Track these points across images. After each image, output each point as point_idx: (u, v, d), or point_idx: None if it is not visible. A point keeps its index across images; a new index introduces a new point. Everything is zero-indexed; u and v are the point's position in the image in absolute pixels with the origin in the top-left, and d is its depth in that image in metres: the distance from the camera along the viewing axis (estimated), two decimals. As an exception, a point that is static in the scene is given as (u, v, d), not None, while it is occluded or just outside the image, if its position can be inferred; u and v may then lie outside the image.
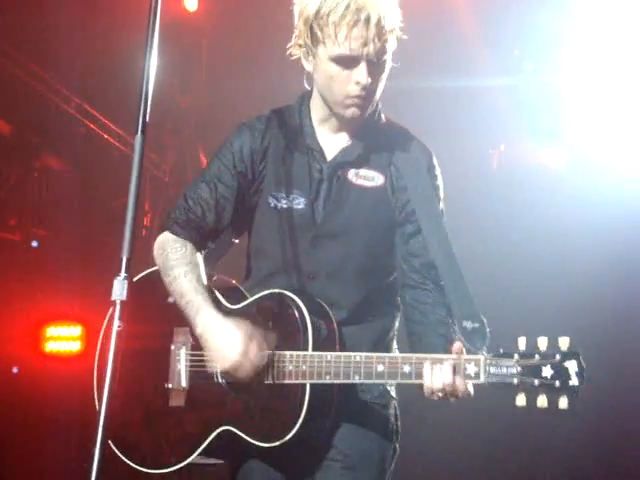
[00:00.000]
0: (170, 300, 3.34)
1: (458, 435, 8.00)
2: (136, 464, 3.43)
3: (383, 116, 3.44)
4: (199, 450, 3.31)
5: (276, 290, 3.26)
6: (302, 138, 3.38)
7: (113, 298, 2.67)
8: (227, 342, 3.13)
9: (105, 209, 8.40)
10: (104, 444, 2.57)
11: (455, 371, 2.91)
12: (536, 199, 8.18)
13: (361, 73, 3.12)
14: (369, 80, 3.13)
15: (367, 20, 3.04)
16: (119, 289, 2.67)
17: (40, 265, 8.17)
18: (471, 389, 2.96)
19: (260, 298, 3.31)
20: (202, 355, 3.31)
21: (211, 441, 3.29)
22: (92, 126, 8.47)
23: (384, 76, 3.22)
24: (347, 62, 3.13)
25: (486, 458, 8.08)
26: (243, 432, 3.20)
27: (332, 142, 3.37)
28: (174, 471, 3.39)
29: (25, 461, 7.58)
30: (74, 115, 8.24)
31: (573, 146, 8.57)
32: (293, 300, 3.18)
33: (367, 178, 3.31)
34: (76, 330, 8.51)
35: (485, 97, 8.25)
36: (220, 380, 3.30)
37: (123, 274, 2.68)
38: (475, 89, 8.24)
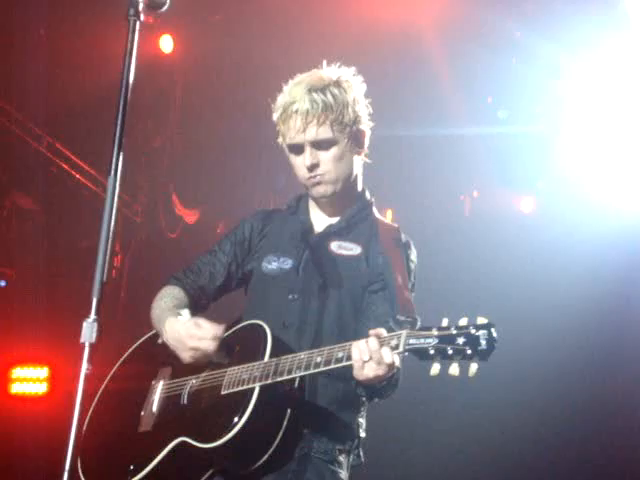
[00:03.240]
0: (159, 341, 3.68)
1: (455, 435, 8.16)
2: None
3: (376, 212, 3.85)
4: (154, 462, 3.46)
5: (249, 321, 3.59)
6: (297, 216, 3.85)
7: (82, 341, 2.63)
8: (183, 331, 3.51)
9: (74, 249, 8.33)
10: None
11: (381, 343, 3.14)
12: (507, 243, 8.24)
13: (305, 157, 3.61)
14: (313, 161, 3.60)
15: (296, 111, 3.57)
16: (88, 331, 2.62)
17: (7, 305, 8.08)
18: (397, 360, 3.17)
19: (235, 330, 3.63)
20: (175, 382, 3.63)
21: (167, 455, 3.44)
22: (63, 165, 8.42)
23: (338, 152, 3.62)
24: (295, 150, 3.64)
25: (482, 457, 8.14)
26: (192, 439, 3.39)
27: (322, 220, 3.81)
28: None
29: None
30: (45, 154, 8.19)
31: (545, 192, 8.64)
32: (261, 326, 3.48)
33: (347, 248, 3.72)
34: (43, 372, 8.41)
35: (459, 144, 8.32)
36: (184, 401, 3.54)
37: (93, 316, 2.63)
38: (449, 136, 8.30)
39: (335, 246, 3.73)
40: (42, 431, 7.42)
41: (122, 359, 3.92)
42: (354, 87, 3.67)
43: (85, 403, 2.66)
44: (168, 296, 3.76)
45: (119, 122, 2.85)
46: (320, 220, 3.82)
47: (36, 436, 7.50)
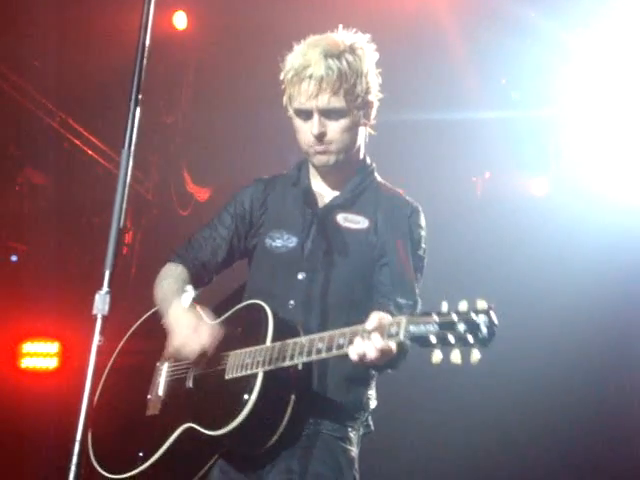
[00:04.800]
0: (162, 321, 3.58)
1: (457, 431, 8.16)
2: (104, 471, 3.62)
3: (378, 176, 3.81)
4: (163, 449, 3.48)
5: (250, 301, 3.56)
6: (299, 188, 3.78)
7: (94, 312, 2.63)
8: (183, 323, 3.45)
9: (86, 225, 8.34)
10: (81, 459, 2.62)
11: (381, 334, 3.07)
12: (519, 225, 8.22)
13: (313, 124, 3.53)
14: (321, 130, 3.53)
15: (311, 76, 3.48)
16: (101, 303, 2.62)
17: (18, 280, 8.09)
18: (393, 345, 3.10)
19: (236, 310, 3.61)
20: (180, 365, 3.60)
21: (175, 441, 3.47)
22: (76, 141, 8.42)
23: (347, 124, 3.56)
24: (304, 115, 3.56)
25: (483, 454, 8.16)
26: (199, 425, 3.39)
27: (325, 191, 3.75)
28: None
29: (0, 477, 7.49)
30: (58, 129, 8.18)
31: (558, 175, 8.62)
32: (263, 308, 3.44)
33: (353, 221, 3.66)
34: (53, 347, 8.44)
35: (471, 125, 8.29)
36: (190, 385, 3.53)
37: (105, 288, 2.63)
38: (462, 117, 8.27)
39: (341, 219, 3.67)
40: (52, 406, 7.44)
41: (127, 336, 3.92)
42: (368, 55, 3.61)
43: (96, 377, 2.66)
44: (171, 276, 3.70)
45: (133, 95, 2.83)
46: (323, 192, 3.75)
47: (46, 411, 7.52)
